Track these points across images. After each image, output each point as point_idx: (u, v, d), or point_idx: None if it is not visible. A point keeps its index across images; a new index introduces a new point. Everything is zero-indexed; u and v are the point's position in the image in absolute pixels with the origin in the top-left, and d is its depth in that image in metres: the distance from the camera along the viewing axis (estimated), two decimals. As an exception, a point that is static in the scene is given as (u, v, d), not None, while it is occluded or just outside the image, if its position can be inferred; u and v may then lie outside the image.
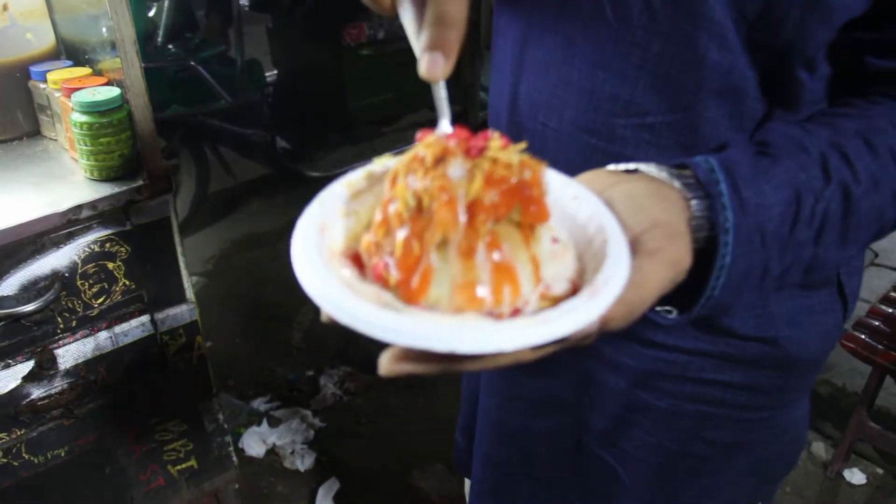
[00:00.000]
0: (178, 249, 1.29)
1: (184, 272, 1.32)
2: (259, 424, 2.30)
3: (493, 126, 0.82)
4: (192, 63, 2.99)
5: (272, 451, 2.24)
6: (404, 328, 0.38)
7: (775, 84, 0.64)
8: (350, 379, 2.57)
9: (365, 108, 3.54)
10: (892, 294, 2.15)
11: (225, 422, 1.51)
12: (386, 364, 0.42)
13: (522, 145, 0.43)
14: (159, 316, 1.32)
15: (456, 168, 0.41)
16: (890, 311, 2.06)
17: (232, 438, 2.10)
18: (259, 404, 2.42)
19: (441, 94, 0.49)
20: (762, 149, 0.58)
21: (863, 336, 1.97)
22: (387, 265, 0.42)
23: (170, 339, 1.35)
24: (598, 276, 0.42)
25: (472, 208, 0.40)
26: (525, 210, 0.41)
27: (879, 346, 1.93)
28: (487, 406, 1.00)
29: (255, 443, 2.23)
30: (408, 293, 0.41)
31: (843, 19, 0.59)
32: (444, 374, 0.44)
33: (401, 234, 0.41)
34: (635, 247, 0.47)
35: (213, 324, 2.71)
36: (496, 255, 0.41)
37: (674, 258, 0.48)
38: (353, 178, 0.48)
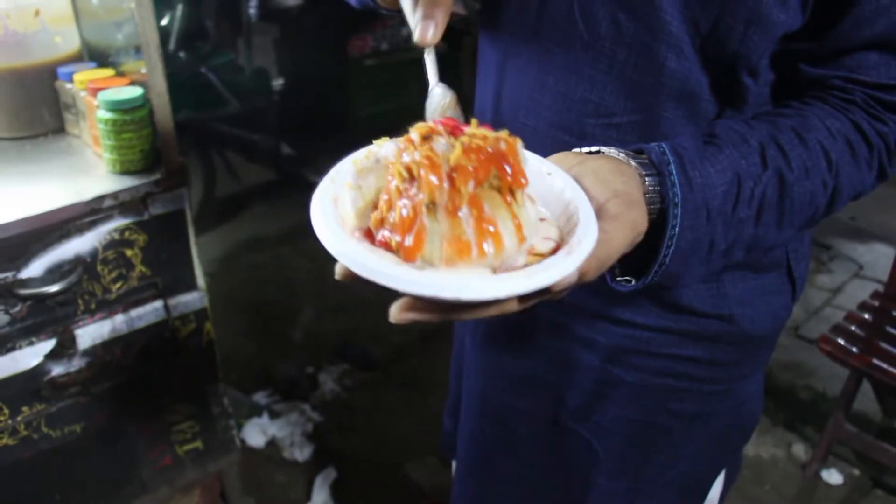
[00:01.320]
0: (192, 240, 1.39)
1: (196, 261, 1.41)
2: (260, 416, 2.39)
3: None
4: (203, 70, 3.09)
5: (272, 443, 2.32)
6: (417, 279, 0.47)
7: (725, 88, 0.73)
8: (348, 375, 2.66)
9: (367, 116, 3.64)
10: (870, 301, 2.24)
11: (230, 405, 1.60)
12: (395, 312, 0.51)
13: (504, 132, 0.53)
14: (172, 302, 1.41)
15: (440, 143, 0.50)
16: (866, 316, 2.15)
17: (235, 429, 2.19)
18: (260, 398, 2.51)
19: (431, 59, 0.61)
20: (709, 139, 0.68)
21: (839, 340, 2.06)
22: (390, 232, 0.51)
23: (181, 324, 1.44)
24: (573, 237, 0.51)
25: (454, 173, 0.49)
26: (502, 175, 0.50)
27: (854, 350, 2.02)
28: (471, 386, 1.09)
29: (255, 434, 2.32)
30: (405, 251, 0.50)
31: (781, 32, 0.69)
32: (443, 321, 0.53)
33: (399, 204, 0.51)
34: (600, 213, 0.56)
35: (217, 321, 2.79)
36: (478, 214, 0.49)
37: (632, 221, 0.58)
38: (358, 156, 0.58)
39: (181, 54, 3.11)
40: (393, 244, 0.51)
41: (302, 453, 2.28)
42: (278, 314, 2.98)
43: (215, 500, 1.74)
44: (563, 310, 0.90)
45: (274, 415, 2.43)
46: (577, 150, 0.66)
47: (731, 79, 0.72)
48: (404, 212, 0.50)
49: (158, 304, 1.39)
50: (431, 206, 0.50)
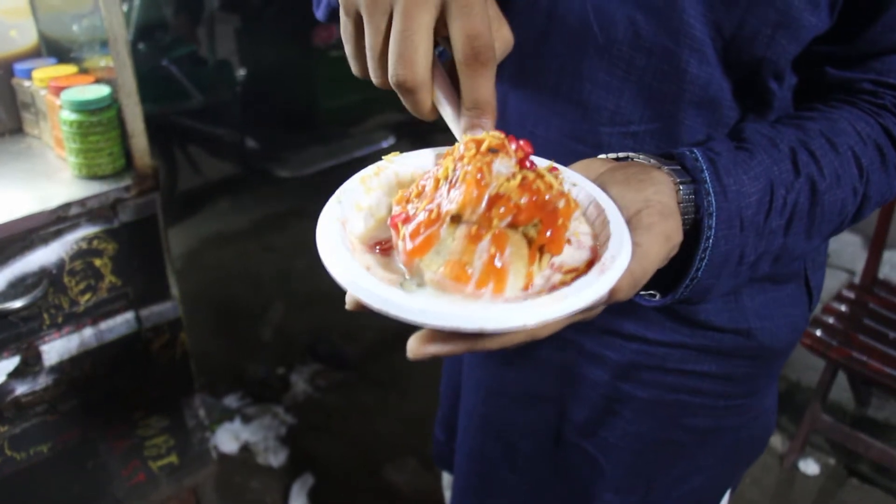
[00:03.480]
0: (164, 247, 1.31)
1: (169, 269, 1.34)
2: (231, 421, 2.32)
3: None
4: (163, 62, 2.99)
5: (245, 448, 2.25)
6: (435, 310, 0.42)
7: (748, 93, 0.69)
8: (320, 376, 2.59)
9: (334, 109, 3.56)
10: (845, 293, 2.24)
11: (206, 417, 1.53)
12: (415, 347, 0.46)
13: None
14: (144, 313, 1.33)
15: (503, 164, 0.45)
16: (843, 308, 2.16)
17: (206, 436, 2.11)
18: (231, 401, 2.43)
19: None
20: (739, 144, 0.63)
21: (817, 332, 2.06)
22: (406, 219, 0.46)
23: (154, 335, 1.37)
24: (606, 253, 0.46)
25: (496, 200, 0.44)
26: (543, 229, 0.45)
27: (833, 342, 2.02)
28: (472, 402, 1.04)
29: (228, 439, 2.24)
30: (407, 252, 0.45)
31: (811, 36, 0.65)
32: (468, 352, 0.47)
33: (428, 200, 0.46)
34: (632, 224, 0.51)
35: (183, 321, 2.71)
36: (495, 253, 0.45)
37: (668, 233, 0.53)
38: (367, 174, 0.52)
39: (140, 46, 3.00)
40: (400, 234, 0.46)
41: (276, 458, 2.21)
42: (246, 312, 2.90)
43: (190, 515, 1.67)
44: (571, 325, 0.85)
45: (246, 419, 2.36)
46: (603, 156, 0.61)
47: (756, 84, 0.68)
48: (424, 214, 0.45)
49: (130, 315, 1.32)
50: (457, 219, 0.45)
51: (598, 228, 0.50)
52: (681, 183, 0.57)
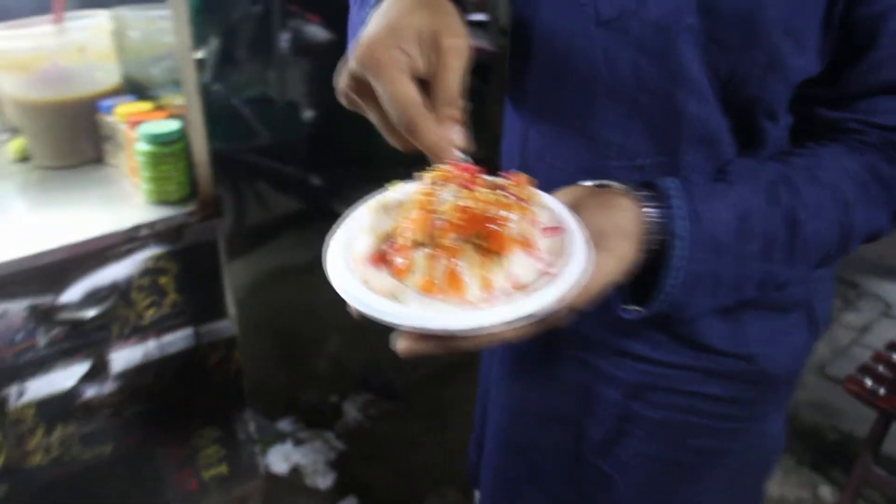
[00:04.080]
0: (223, 269, 1.43)
1: (226, 290, 1.45)
2: (283, 443, 2.42)
3: (507, 166, 0.95)
4: (235, 102, 3.18)
5: (295, 470, 2.34)
6: (407, 314, 0.51)
7: (744, 131, 0.76)
8: (372, 405, 2.68)
9: (392, 151, 3.69)
10: (898, 341, 2.23)
11: (255, 432, 1.63)
12: (400, 346, 0.56)
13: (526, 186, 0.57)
14: (202, 329, 1.45)
15: (448, 191, 0.55)
16: (894, 357, 2.14)
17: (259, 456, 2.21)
18: (285, 425, 2.53)
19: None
20: (720, 175, 0.70)
21: (866, 380, 2.05)
22: (395, 248, 0.57)
23: (210, 351, 1.48)
24: (564, 269, 0.54)
25: (441, 227, 0.54)
26: (489, 239, 0.54)
27: (881, 391, 2.01)
28: (497, 421, 1.11)
29: (279, 460, 2.34)
30: (396, 271, 0.56)
31: (799, 78, 0.71)
32: (447, 353, 0.56)
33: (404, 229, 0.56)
34: (594, 244, 0.59)
35: (244, 348, 2.84)
36: (451, 266, 0.54)
37: (622, 254, 0.61)
38: (372, 203, 0.62)
39: (215, 86, 3.19)
40: (389, 260, 0.57)
41: (324, 481, 2.30)
42: (304, 343, 3.01)
43: (238, 526, 1.76)
44: (585, 346, 0.92)
45: (298, 442, 2.45)
46: (586, 182, 0.69)
47: (750, 122, 0.74)
48: (401, 240, 0.56)
49: (189, 331, 1.43)
50: (419, 244, 0.55)
51: (562, 247, 0.58)
52: (648, 208, 0.65)
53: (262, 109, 3.31)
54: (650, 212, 0.65)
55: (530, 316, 0.52)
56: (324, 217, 3.66)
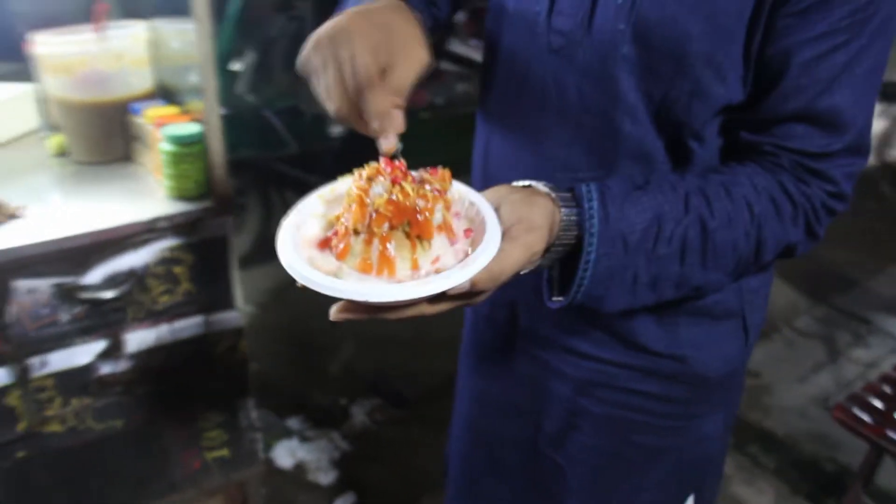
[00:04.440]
0: (233, 263, 1.54)
1: (235, 283, 1.56)
2: (290, 439, 2.53)
3: (474, 175, 1.06)
4: (265, 112, 3.32)
5: (299, 465, 2.45)
6: (337, 286, 0.62)
7: (675, 150, 0.85)
8: (379, 410, 2.77)
9: (419, 165, 3.81)
10: (892, 373, 2.27)
11: (257, 420, 1.74)
12: (333, 312, 0.67)
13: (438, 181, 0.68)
14: (211, 318, 1.56)
15: (378, 186, 0.65)
16: (886, 388, 2.18)
17: (265, 448, 2.33)
18: (293, 423, 2.64)
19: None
20: (642, 185, 0.79)
21: (854, 409, 2.10)
22: (336, 234, 0.67)
23: (218, 339, 1.59)
24: (473, 254, 0.64)
25: (375, 217, 0.64)
26: (413, 226, 0.65)
27: (867, 420, 2.06)
28: (462, 411, 1.21)
29: (285, 454, 2.45)
30: (337, 254, 0.66)
31: (721, 104, 0.80)
32: (372, 320, 0.67)
33: (343, 219, 0.67)
34: (505, 235, 0.69)
35: (261, 349, 2.96)
36: (382, 249, 0.64)
37: (528, 244, 0.70)
38: (324, 191, 0.73)
39: (248, 97, 3.34)
40: (333, 244, 0.67)
41: (326, 477, 2.40)
42: (318, 347, 3.13)
43: (238, 509, 1.87)
44: (538, 343, 1.02)
45: (304, 439, 2.56)
46: (514, 183, 0.79)
47: (680, 142, 0.84)
48: (341, 228, 0.67)
49: (199, 319, 1.54)
50: (356, 231, 0.65)
51: (478, 230, 0.68)
52: (563, 207, 0.74)
53: (291, 120, 3.45)
54: (565, 211, 0.74)
55: (442, 294, 0.62)
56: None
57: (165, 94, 1.68)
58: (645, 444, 1.02)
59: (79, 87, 1.58)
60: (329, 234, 0.69)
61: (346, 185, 0.73)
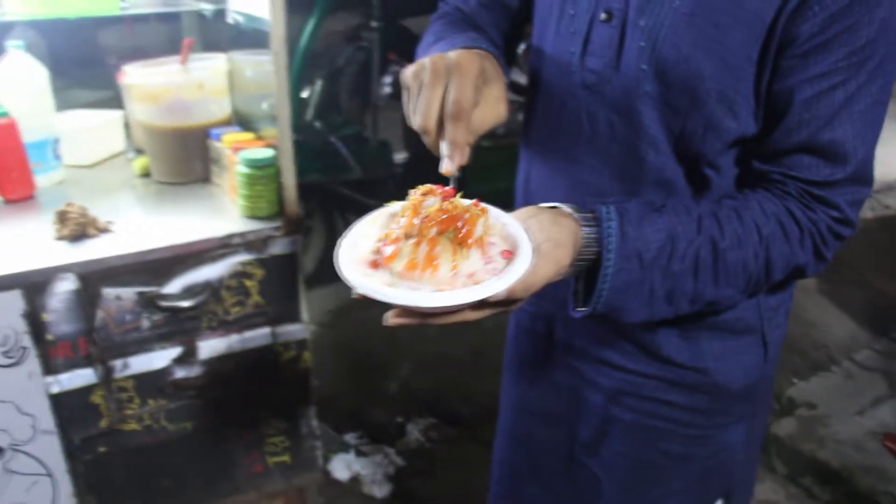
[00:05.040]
0: (300, 279, 1.65)
1: (301, 298, 1.67)
2: (347, 453, 2.62)
3: (517, 197, 1.15)
4: (333, 139, 3.47)
5: (355, 478, 2.54)
6: (392, 294, 0.71)
7: (693, 178, 0.93)
8: (434, 429, 2.85)
9: (479, 194, 3.90)
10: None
11: (317, 429, 1.83)
12: (388, 318, 0.76)
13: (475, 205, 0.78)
14: (278, 330, 1.67)
15: (430, 200, 0.75)
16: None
17: (323, 460, 2.42)
18: (350, 438, 2.74)
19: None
20: (659, 207, 0.87)
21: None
22: (384, 243, 0.77)
23: (283, 350, 1.70)
24: (508, 267, 0.73)
25: (425, 220, 0.74)
26: (457, 233, 0.74)
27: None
28: (504, 418, 1.29)
29: (341, 467, 2.55)
30: (385, 258, 0.75)
31: (733, 137, 0.88)
32: (422, 325, 0.76)
33: (394, 227, 0.77)
34: (536, 251, 0.77)
35: (321, 366, 3.07)
36: (429, 250, 0.73)
37: (556, 258, 0.78)
38: (373, 214, 0.83)
39: (316, 124, 3.49)
40: (384, 250, 0.76)
41: (381, 490, 2.48)
42: (377, 366, 3.23)
43: (296, 515, 1.96)
44: (574, 354, 1.10)
45: (360, 454, 2.65)
46: (542, 204, 0.87)
47: (697, 171, 0.93)
48: (393, 234, 0.76)
49: (267, 330, 1.65)
50: (407, 236, 0.74)
51: (513, 248, 0.77)
52: (585, 226, 0.82)
53: (356, 146, 3.59)
54: (587, 230, 0.82)
55: (482, 302, 0.71)
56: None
57: (241, 120, 1.81)
58: (671, 451, 1.08)
59: (163, 114, 1.72)
60: (376, 256, 0.79)
61: (394, 208, 0.82)
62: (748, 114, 0.87)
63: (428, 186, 0.79)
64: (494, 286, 0.71)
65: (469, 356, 3.27)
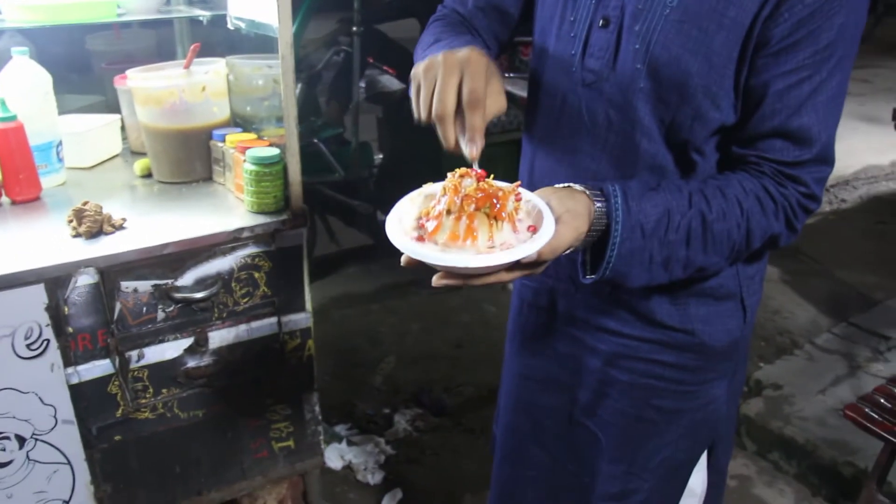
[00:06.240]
0: (305, 270, 1.74)
1: (306, 288, 1.76)
2: (339, 443, 2.71)
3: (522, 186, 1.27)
4: (314, 140, 3.55)
5: (348, 467, 2.63)
6: (442, 256, 0.82)
7: (682, 163, 1.06)
8: (420, 419, 2.95)
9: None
10: (906, 378, 2.40)
11: (320, 414, 1.92)
12: (435, 280, 0.86)
13: (507, 186, 0.88)
14: (284, 319, 1.75)
15: (467, 181, 0.85)
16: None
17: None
18: (341, 430, 2.82)
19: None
20: (655, 186, 0.99)
21: (865, 408, 2.23)
22: (426, 219, 0.87)
23: (289, 338, 1.78)
24: (536, 234, 0.84)
25: (465, 198, 0.84)
26: (492, 207, 0.85)
27: (878, 418, 2.19)
28: (508, 386, 1.40)
29: (334, 456, 2.63)
30: (428, 233, 0.86)
31: (717, 126, 1.01)
32: (464, 286, 0.86)
33: (435, 204, 0.87)
34: (557, 221, 0.88)
35: (312, 330, 3.15)
36: (469, 223, 0.84)
37: (576, 227, 0.90)
38: (413, 194, 0.94)
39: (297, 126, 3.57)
40: (426, 225, 0.87)
41: (373, 478, 2.57)
42: (363, 361, 3.32)
43: (297, 499, 2.04)
44: (574, 323, 1.22)
45: (351, 444, 2.74)
46: (557, 185, 0.99)
47: (685, 156, 1.06)
48: (436, 210, 0.87)
49: (274, 319, 1.74)
50: (448, 212, 0.85)
51: (537, 222, 0.88)
52: (596, 200, 0.94)
53: (337, 148, 3.67)
54: (598, 204, 0.95)
55: (515, 264, 0.82)
56: (388, 252, 3.98)
57: (239, 122, 1.90)
58: (664, 406, 1.21)
59: (166, 116, 1.80)
60: (419, 230, 0.89)
61: (431, 189, 0.93)
62: (729, 105, 1.00)
63: (464, 170, 0.89)
64: (527, 248, 0.83)
65: (450, 349, 3.37)
